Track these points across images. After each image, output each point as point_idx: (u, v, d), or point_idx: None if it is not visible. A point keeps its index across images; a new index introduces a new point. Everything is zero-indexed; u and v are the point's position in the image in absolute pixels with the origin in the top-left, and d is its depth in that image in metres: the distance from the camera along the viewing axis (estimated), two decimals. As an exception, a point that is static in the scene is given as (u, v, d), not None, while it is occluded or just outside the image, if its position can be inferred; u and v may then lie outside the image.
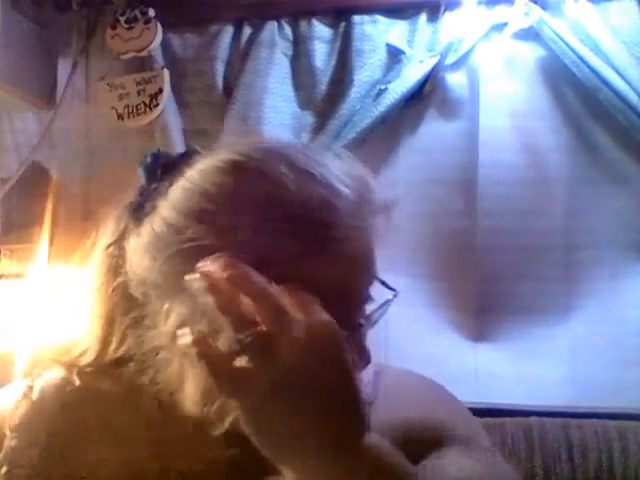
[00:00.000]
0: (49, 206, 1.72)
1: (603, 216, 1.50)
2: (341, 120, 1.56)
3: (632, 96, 1.41)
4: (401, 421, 0.63)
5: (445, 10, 1.54)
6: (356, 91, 1.56)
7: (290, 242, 0.52)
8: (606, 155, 1.51)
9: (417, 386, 0.70)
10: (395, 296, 0.61)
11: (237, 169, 0.56)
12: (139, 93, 1.66)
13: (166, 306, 0.55)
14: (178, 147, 1.64)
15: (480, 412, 0.89)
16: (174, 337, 0.53)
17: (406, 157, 1.61)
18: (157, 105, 1.64)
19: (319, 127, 1.59)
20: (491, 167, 1.54)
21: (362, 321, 0.58)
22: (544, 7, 1.49)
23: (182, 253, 0.54)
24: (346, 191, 0.54)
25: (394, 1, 1.60)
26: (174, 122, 1.66)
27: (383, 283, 0.60)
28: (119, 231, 0.62)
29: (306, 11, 1.64)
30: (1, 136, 1.84)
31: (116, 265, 0.61)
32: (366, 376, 0.65)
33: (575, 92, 1.52)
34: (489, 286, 1.53)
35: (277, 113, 1.61)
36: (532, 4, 1.48)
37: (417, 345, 1.54)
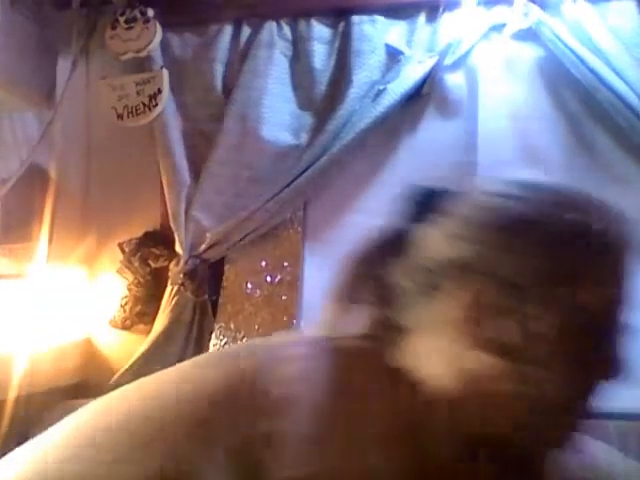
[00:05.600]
0: (48, 206, 1.72)
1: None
2: (340, 120, 1.56)
3: (631, 97, 1.41)
4: None
5: (444, 10, 1.54)
6: (355, 91, 1.56)
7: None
8: (605, 155, 1.51)
9: None
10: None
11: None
12: (138, 93, 1.66)
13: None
14: (177, 147, 1.64)
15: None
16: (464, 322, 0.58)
17: (405, 157, 1.61)
18: (156, 105, 1.64)
19: (318, 127, 1.59)
20: (490, 167, 1.54)
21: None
22: (543, 8, 1.49)
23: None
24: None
25: (393, 1, 1.60)
26: (173, 122, 1.66)
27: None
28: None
29: (305, 11, 1.64)
30: (1, 136, 1.85)
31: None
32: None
33: (574, 92, 1.52)
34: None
35: (276, 113, 1.61)
36: (531, 5, 1.48)
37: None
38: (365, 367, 0.62)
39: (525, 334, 0.57)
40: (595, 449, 0.70)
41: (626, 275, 0.60)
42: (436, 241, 0.62)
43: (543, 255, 0.57)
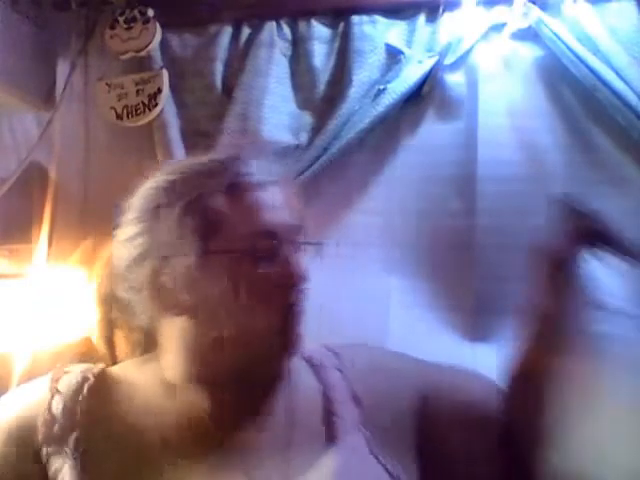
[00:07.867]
0: (48, 206, 1.72)
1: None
2: (340, 120, 1.56)
3: (630, 96, 1.41)
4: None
5: (444, 10, 1.54)
6: (355, 91, 1.56)
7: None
8: (604, 155, 1.51)
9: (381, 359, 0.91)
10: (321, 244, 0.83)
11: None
12: (138, 93, 1.66)
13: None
14: (177, 147, 1.64)
15: (478, 412, 0.90)
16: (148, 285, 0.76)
17: (405, 156, 1.61)
18: (156, 105, 1.65)
19: (318, 127, 1.59)
20: (490, 166, 1.54)
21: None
22: (543, 7, 1.49)
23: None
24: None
25: (393, 1, 1.60)
26: (173, 122, 1.66)
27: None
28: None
29: (305, 11, 1.64)
30: (0, 137, 1.84)
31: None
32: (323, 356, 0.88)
33: (573, 92, 1.52)
34: (488, 285, 1.53)
35: (276, 113, 1.61)
36: (531, 4, 1.49)
37: (415, 345, 1.53)
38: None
39: (203, 290, 0.72)
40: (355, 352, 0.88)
41: (280, 213, 0.77)
42: (118, 251, 0.80)
43: (177, 226, 0.73)
